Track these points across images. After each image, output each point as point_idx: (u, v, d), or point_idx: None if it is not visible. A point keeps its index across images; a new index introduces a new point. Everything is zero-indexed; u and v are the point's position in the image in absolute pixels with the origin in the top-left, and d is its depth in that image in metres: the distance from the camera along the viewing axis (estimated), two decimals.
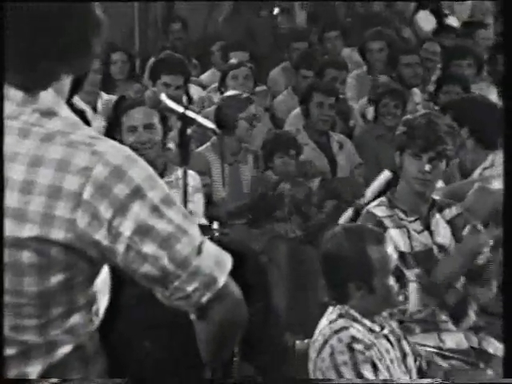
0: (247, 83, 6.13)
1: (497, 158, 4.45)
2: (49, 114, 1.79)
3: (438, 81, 6.06)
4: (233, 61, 6.50)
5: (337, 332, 2.91)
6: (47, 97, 1.80)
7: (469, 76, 6.12)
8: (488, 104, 4.82)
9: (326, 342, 2.89)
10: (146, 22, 8.53)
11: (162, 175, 4.04)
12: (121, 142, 3.87)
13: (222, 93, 5.94)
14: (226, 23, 8.62)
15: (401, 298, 3.12)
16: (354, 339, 2.87)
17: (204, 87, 6.88)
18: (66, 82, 1.86)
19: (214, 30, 8.45)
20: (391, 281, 2.97)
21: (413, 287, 3.55)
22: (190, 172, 3.99)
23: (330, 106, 5.64)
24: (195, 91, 6.57)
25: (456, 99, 4.79)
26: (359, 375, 2.79)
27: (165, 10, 8.80)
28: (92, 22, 1.86)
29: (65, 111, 1.83)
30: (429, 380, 3.03)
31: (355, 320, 2.95)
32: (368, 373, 2.80)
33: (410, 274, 3.55)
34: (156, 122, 4.17)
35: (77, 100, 5.57)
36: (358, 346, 2.85)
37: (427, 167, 3.60)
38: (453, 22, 8.78)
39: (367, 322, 2.96)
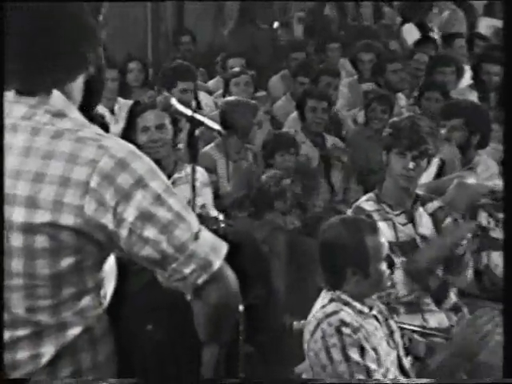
0: (248, 89, 6.16)
1: (482, 157, 4.48)
2: (59, 114, 1.80)
3: (421, 87, 6.06)
4: (235, 69, 6.51)
5: (328, 316, 2.89)
6: (58, 100, 1.81)
7: (451, 82, 6.13)
8: (482, 108, 4.85)
9: (318, 324, 2.87)
10: (158, 34, 8.51)
11: (172, 172, 4.07)
12: (135, 141, 3.89)
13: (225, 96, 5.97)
14: (230, 36, 8.62)
15: (389, 282, 3.11)
16: (342, 323, 2.85)
17: (211, 93, 6.86)
18: (74, 87, 1.86)
19: (220, 42, 8.43)
20: (384, 266, 2.97)
21: (399, 274, 3.55)
22: (199, 169, 3.99)
23: (322, 109, 5.65)
24: (203, 96, 6.57)
25: (461, 104, 4.75)
26: (347, 357, 2.78)
27: (175, 23, 8.79)
28: (87, 36, 1.88)
29: (74, 113, 1.83)
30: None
31: (346, 304, 2.93)
32: (355, 355, 2.78)
33: (397, 261, 3.56)
34: (167, 123, 4.15)
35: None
36: (346, 330, 2.83)
37: (411, 165, 3.61)
38: (435, 34, 8.79)
39: (357, 305, 2.95)
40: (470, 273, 3.69)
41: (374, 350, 2.87)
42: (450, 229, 3.62)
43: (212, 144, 5.22)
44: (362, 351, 2.81)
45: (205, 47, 8.31)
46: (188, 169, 3.96)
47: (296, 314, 3.13)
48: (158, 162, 1.95)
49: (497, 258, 3.74)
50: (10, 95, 1.82)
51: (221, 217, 4.08)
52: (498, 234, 3.79)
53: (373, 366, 2.80)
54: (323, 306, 2.95)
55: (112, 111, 5.97)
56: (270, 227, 4.99)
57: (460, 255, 3.59)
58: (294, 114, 5.97)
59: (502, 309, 2.53)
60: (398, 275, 3.55)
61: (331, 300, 2.97)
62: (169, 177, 3.85)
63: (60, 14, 1.83)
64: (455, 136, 4.50)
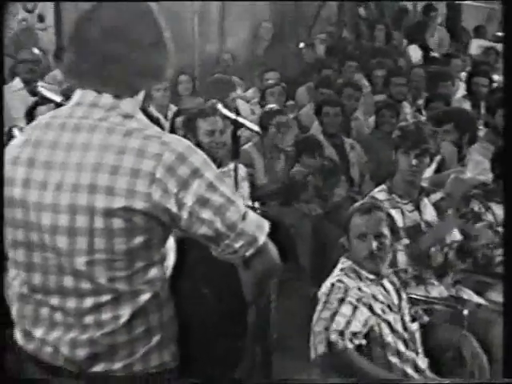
0: (280, 98, 6.19)
1: (473, 156, 4.49)
2: (128, 116, 1.81)
3: (427, 98, 6.05)
4: (270, 81, 6.53)
5: (333, 278, 2.98)
6: (127, 105, 1.82)
7: (451, 93, 6.13)
8: (467, 112, 4.86)
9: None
10: (203, 52, 8.55)
11: (218, 167, 4.11)
12: (197, 142, 3.92)
13: (262, 106, 5.98)
14: (264, 54, 8.63)
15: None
16: (338, 281, 2.92)
17: (248, 101, 6.89)
18: (141, 95, 1.88)
19: (255, 59, 8.45)
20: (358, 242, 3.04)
21: (402, 254, 3.58)
22: (239, 165, 4.02)
23: (334, 114, 5.62)
24: (241, 104, 6.60)
25: (454, 111, 4.77)
26: (339, 306, 2.83)
27: (219, 43, 8.82)
28: (170, 55, 1.88)
29: (139, 115, 1.84)
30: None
31: (353, 271, 2.99)
32: (346, 309, 2.82)
33: (403, 242, 3.58)
34: (220, 128, 4.18)
35: (153, 110, 5.63)
36: (339, 284, 2.91)
37: (414, 161, 3.65)
38: (436, 54, 8.77)
39: (364, 272, 2.99)
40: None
41: (370, 308, 2.89)
42: (440, 224, 3.67)
43: (250, 143, 5.25)
44: (355, 309, 2.83)
45: (243, 63, 8.31)
46: (231, 165, 3.99)
47: (318, 285, 3.13)
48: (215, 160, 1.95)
49: (479, 229, 3.74)
50: (87, 98, 1.83)
51: (256, 204, 4.11)
52: (487, 216, 3.81)
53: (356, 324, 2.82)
54: (335, 274, 3.02)
55: (165, 116, 6.00)
56: (297, 214, 5.03)
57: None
58: (317, 120, 5.95)
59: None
60: (401, 255, 3.57)
61: (341, 269, 3.02)
62: None
63: (144, 30, 1.83)
64: (449, 138, 4.53)
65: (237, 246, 1.78)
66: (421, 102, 6.54)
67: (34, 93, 3.95)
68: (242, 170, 4.33)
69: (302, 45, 8.65)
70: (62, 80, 6.44)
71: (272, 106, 5.52)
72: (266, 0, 9.07)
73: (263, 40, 8.88)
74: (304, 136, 5.65)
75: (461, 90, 6.70)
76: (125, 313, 1.80)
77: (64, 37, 7.63)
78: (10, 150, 1.90)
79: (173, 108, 6.07)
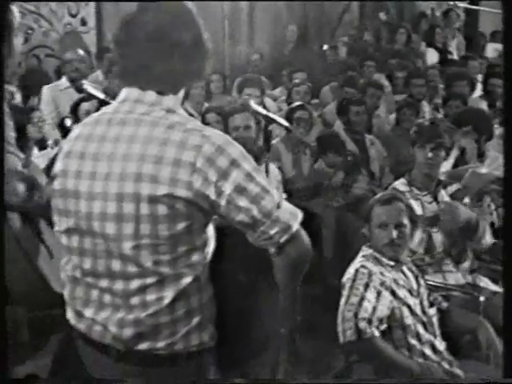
0: (306, 97, 6.17)
1: (491, 152, 4.46)
2: (170, 111, 1.82)
3: (445, 97, 6.01)
4: (296, 81, 6.52)
5: (356, 264, 2.97)
6: (169, 101, 1.84)
7: (467, 93, 6.08)
8: (484, 113, 4.83)
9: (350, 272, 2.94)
10: (233, 53, 8.56)
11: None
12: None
13: (289, 104, 5.97)
14: (290, 55, 8.61)
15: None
16: (361, 266, 2.91)
17: (275, 99, 6.88)
18: (182, 92, 1.89)
19: (282, 60, 8.44)
20: (380, 231, 3.02)
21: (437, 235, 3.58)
22: (271, 164, 4.04)
23: (361, 112, 5.62)
24: (268, 101, 6.58)
25: (472, 113, 4.74)
26: (364, 292, 2.82)
27: (248, 45, 8.83)
28: (209, 55, 1.89)
29: (181, 110, 1.86)
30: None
31: (374, 258, 2.98)
32: (371, 294, 2.81)
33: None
34: (252, 124, 4.19)
35: (188, 107, 5.64)
36: (363, 270, 2.90)
37: (430, 155, 3.64)
38: (454, 56, 8.70)
39: (384, 259, 2.98)
40: (486, 239, 3.68)
41: (393, 292, 2.88)
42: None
43: (278, 138, 5.24)
44: (379, 294, 2.83)
45: (270, 63, 8.31)
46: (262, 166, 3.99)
47: (342, 272, 3.13)
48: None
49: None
50: (132, 95, 1.85)
51: (284, 196, 4.11)
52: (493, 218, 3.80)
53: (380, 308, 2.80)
54: (357, 260, 3.01)
55: (199, 113, 6.01)
56: (321, 205, 5.03)
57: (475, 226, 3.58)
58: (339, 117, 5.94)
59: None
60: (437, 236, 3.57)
61: (363, 256, 3.01)
62: None
63: (184, 32, 1.84)
64: (469, 138, 4.50)
65: (272, 232, 1.79)
66: (438, 100, 6.51)
67: (79, 90, 3.98)
68: (274, 172, 4.32)
69: (325, 47, 8.62)
70: (103, 79, 6.51)
71: (296, 103, 5.54)
72: (290, 0, 9.04)
73: (289, 42, 8.86)
74: (327, 132, 5.64)
75: (478, 90, 6.63)
76: (168, 295, 1.81)
77: (105, 39, 7.71)
78: (63, 146, 1.95)
79: (206, 105, 6.09)
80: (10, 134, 2.33)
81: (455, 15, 9.44)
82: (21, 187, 2.24)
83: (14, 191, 2.23)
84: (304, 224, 1.86)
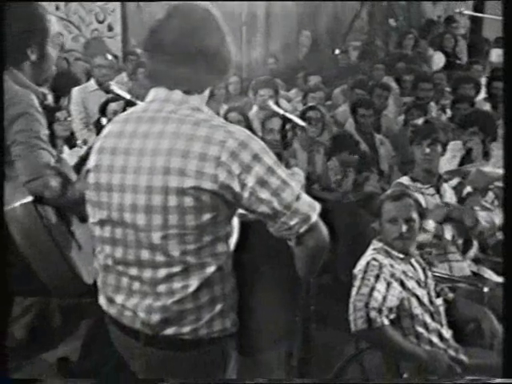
0: (321, 101, 6.15)
1: (495, 151, 4.44)
2: (196, 109, 1.82)
3: (453, 100, 5.98)
4: (311, 83, 6.52)
5: (367, 257, 2.97)
6: (195, 99, 1.84)
7: (473, 95, 6.05)
8: (490, 115, 4.81)
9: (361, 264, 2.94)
10: (250, 57, 8.57)
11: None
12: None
13: (304, 104, 5.97)
14: (304, 59, 8.60)
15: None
16: (372, 259, 2.90)
17: (290, 100, 6.87)
18: (207, 91, 1.89)
19: (296, 63, 8.43)
20: (390, 225, 3.02)
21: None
22: (295, 168, 4.04)
23: (368, 115, 5.60)
24: (283, 103, 6.57)
25: (478, 115, 4.72)
26: (375, 283, 2.82)
27: (262, 49, 8.85)
28: (231, 59, 1.89)
29: (205, 108, 1.86)
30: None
31: (385, 251, 2.97)
32: (381, 285, 2.81)
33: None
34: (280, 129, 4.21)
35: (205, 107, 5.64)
36: (374, 262, 2.89)
37: (427, 150, 3.66)
38: (458, 60, 8.66)
39: (394, 252, 2.97)
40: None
41: (402, 283, 2.87)
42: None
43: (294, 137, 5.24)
44: (388, 285, 2.82)
45: (285, 67, 8.31)
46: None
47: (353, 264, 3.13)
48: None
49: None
50: (160, 95, 1.86)
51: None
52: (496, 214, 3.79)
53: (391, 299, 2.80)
54: (368, 254, 3.01)
55: (217, 112, 6.02)
56: (332, 202, 5.01)
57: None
58: (351, 118, 5.92)
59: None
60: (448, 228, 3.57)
61: (374, 249, 3.01)
62: None
63: (209, 35, 1.85)
64: (475, 138, 4.48)
65: (292, 223, 1.78)
66: (444, 102, 6.46)
67: (107, 91, 4.01)
68: (299, 175, 4.32)
69: (337, 51, 8.59)
70: (128, 81, 6.55)
71: (309, 104, 5.57)
72: (304, 0, 9.04)
73: (303, 46, 8.84)
74: (340, 132, 5.63)
75: (482, 93, 6.60)
76: (193, 283, 1.81)
77: (129, 43, 7.76)
78: (96, 142, 1.96)
79: (224, 106, 6.09)
80: (43, 131, 2.34)
81: (456, 21, 9.39)
82: (54, 182, 2.26)
83: (47, 185, 2.25)
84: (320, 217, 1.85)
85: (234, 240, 1.89)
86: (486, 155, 4.39)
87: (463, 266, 3.58)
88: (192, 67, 1.83)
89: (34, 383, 2.64)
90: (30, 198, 2.23)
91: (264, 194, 1.76)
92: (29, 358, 3.77)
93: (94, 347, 2.99)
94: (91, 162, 1.92)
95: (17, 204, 2.22)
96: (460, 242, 3.64)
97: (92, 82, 6.05)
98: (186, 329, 1.84)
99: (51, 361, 3.76)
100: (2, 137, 2.32)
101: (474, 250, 3.67)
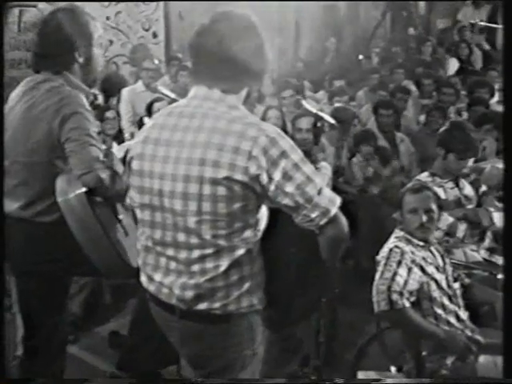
0: (346, 103, 6.13)
1: None
2: (233, 107, 1.83)
3: (469, 103, 5.90)
4: (336, 87, 6.49)
5: (389, 244, 2.94)
6: (232, 98, 1.84)
7: (488, 99, 5.96)
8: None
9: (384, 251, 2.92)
10: (281, 61, 8.53)
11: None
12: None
13: (331, 105, 5.94)
14: (330, 63, 8.57)
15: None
16: (395, 246, 2.88)
17: (317, 102, 6.85)
18: (244, 91, 1.88)
19: (323, 67, 8.40)
20: (412, 216, 2.97)
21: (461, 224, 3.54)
22: (324, 163, 4.04)
23: (388, 115, 5.54)
24: (311, 103, 6.54)
25: (492, 114, 4.65)
26: (397, 268, 2.78)
27: (294, 54, 8.85)
28: (267, 63, 1.89)
29: (242, 107, 1.85)
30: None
31: (406, 239, 2.94)
32: (403, 270, 2.78)
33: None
34: (311, 128, 4.19)
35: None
36: (396, 249, 2.86)
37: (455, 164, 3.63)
38: (476, 68, 8.54)
39: (414, 240, 2.95)
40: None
41: (422, 268, 2.84)
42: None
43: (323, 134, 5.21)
44: (410, 271, 2.79)
45: (312, 70, 8.28)
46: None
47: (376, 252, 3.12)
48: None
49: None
50: (200, 93, 1.86)
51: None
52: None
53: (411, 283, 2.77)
54: (390, 241, 2.98)
55: (251, 111, 6.00)
56: (355, 194, 4.99)
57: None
58: (373, 117, 5.87)
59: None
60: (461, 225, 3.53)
61: (396, 237, 2.99)
62: None
63: (248, 40, 1.85)
64: (490, 136, 4.42)
65: (313, 215, 1.78)
66: (460, 105, 6.37)
67: (154, 91, 4.05)
68: (327, 169, 4.30)
69: (360, 56, 8.55)
70: (170, 83, 6.58)
71: (338, 104, 5.51)
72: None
73: (330, 51, 8.82)
74: (362, 129, 5.59)
75: (496, 96, 6.50)
76: (223, 263, 1.82)
77: (172, 49, 7.82)
78: (142, 132, 1.96)
79: (258, 106, 6.07)
80: (93, 129, 2.38)
81: (468, 30, 9.27)
82: (104, 175, 2.29)
83: (98, 178, 2.28)
84: (343, 209, 1.85)
85: (262, 226, 1.89)
86: (499, 153, 4.33)
87: (477, 254, 3.54)
88: (230, 69, 1.83)
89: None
90: (82, 190, 2.27)
91: (288, 188, 1.76)
92: (84, 331, 3.85)
93: (142, 323, 3.02)
94: (136, 150, 1.92)
95: (71, 195, 2.26)
96: (475, 233, 3.60)
97: (140, 83, 6.10)
98: (217, 304, 1.85)
99: (104, 334, 3.82)
100: (1, 135, 2.35)
101: (487, 241, 3.62)
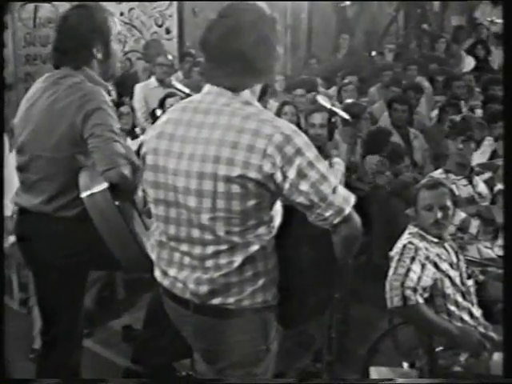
0: (353, 94, 6.10)
1: None
2: (247, 103, 1.80)
3: (483, 100, 5.86)
4: (345, 81, 6.48)
5: (403, 240, 2.92)
6: (246, 94, 1.81)
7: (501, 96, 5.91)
8: None
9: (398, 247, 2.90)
10: (294, 57, 8.55)
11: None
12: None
13: (340, 102, 5.91)
14: (343, 60, 8.54)
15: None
16: (409, 242, 2.85)
17: (330, 98, 6.82)
18: (257, 88, 1.85)
19: (336, 63, 8.38)
20: (425, 212, 2.95)
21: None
22: (337, 159, 4.02)
23: (402, 110, 5.51)
24: (324, 99, 6.52)
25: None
26: (410, 264, 2.76)
27: (306, 50, 8.84)
28: (278, 58, 1.86)
29: (256, 103, 1.83)
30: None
31: (420, 235, 2.92)
32: (416, 266, 2.77)
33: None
34: (325, 123, 4.17)
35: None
36: (410, 245, 2.83)
37: (460, 146, 3.60)
38: (494, 65, 8.48)
39: (429, 237, 2.93)
40: None
41: (435, 264, 2.82)
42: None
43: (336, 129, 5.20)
44: (423, 267, 2.78)
45: (325, 66, 8.26)
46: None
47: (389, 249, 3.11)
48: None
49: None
50: (213, 89, 1.83)
51: None
52: None
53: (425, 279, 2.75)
54: (404, 237, 2.96)
55: (264, 107, 5.98)
56: (368, 191, 4.96)
57: None
58: (386, 113, 5.84)
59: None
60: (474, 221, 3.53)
61: (410, 233, 2.97)
62: None
63: (258, 37, 1.80)
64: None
65: (326, 214, 1.77)
66: (473, 102, 6.33)
67: (168, 86, 4.05)
68: (340, 165, 4.29)
69: (373, 53, 8.51)
70: (183, 79, 6.59)
71: (350, 100, 5.48)
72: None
73: (342, 48, 8.80)
74: (376, 126, 5.57)
75: None
76: (238, 259, 1.81)
77: (185, 45, 7.84)
78: (156, 127, 1.93)
79: (271, 102, 6.06)
80: (116, 125, 2.37)
81: (484, 28, 9.19)
82: (126, 170, 2.28)
83: (121, 174, 2.27)
84: (357, 206, 1.84)
85: (276, 223, 1.88)
86: None
87: (491, 251, 3.52)
88: (233, 66, 1.79)
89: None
90: (106, 185, 2.27)
91: (303, 186, 1.74)
92: (98, 326, 3.86)
93: (155, 317, 3.02)
94: (151, 145, 1.91)
95: (95, 190, 2.26)
96: (489, 231, 3.58)
97: (153, 79, 6.11)
98: (231, 299, 1.84)
99: (117, 328, 3.84)
100: (1, 135, 2.34)
101: (501, 239, 3.60)
